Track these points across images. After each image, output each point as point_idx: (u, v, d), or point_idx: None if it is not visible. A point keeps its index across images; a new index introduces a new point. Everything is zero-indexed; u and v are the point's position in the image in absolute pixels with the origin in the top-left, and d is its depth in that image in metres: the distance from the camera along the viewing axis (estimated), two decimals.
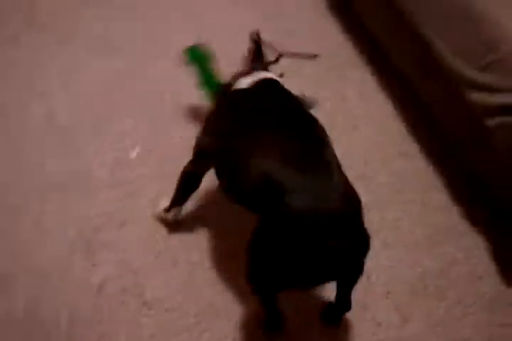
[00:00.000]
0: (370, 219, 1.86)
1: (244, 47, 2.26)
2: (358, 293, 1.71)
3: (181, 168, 1.81)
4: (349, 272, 1.37)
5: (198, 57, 1.89)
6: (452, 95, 1.82)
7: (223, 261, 1.71)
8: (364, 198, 1.95)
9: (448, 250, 1.90)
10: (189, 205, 1.77)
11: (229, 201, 1.47)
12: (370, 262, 1.76)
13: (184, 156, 1.89)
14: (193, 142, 1.76)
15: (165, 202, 1.69)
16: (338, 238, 1.22)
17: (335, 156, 1.40)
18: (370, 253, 1.77)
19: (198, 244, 1.73)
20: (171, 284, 1.64)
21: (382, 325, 1.68)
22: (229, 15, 2.49)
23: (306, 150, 1.35)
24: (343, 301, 1.55)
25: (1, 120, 1.97)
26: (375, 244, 1.81)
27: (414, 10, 1.95)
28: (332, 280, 1.40)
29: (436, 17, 1.87)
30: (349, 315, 1.65)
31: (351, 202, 1.33)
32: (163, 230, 1.74)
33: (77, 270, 1.62)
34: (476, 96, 1.71)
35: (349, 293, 1.52)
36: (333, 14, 2.62)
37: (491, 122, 1.68)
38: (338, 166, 1.37)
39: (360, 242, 1.34)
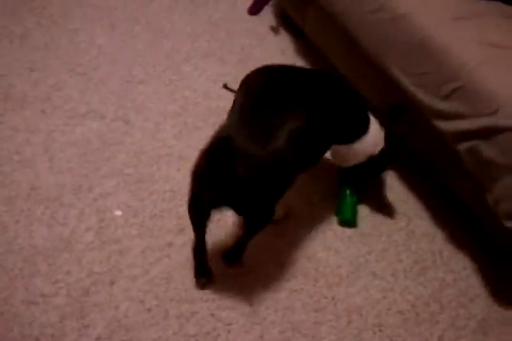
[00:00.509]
0: (357, 251, 1.94)
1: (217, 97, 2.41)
2: (351, 328, 1.75)
3: (166, 223, 1.92)
4: (247, 204, 1.54)
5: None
6: (427, 125, 1.88)
7: (215, 310, 1.74)
8: (349, 232, 2.04)
9: (437, 275, 1.94)
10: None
11: None
12: (360, 296, 1.83)
13: (166, 211, 1.99)
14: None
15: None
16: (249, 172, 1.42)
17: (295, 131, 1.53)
18: (360, 287, 1.84)
19: (188, 296, 1.76)
20: (164, 336, 1.65)
21: None
22: (200, 69, 2.60)
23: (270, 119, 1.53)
24: (240, 245, 1.80)
25: None
26: (363, 276, 1.88)
27: (373, 46, 2.02)
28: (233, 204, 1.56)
29: (395, 52, 1.94)
30: None
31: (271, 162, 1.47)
32: (153, 285, 1.76)
33: (70, 333, 1.62)
34: (443, 125, 1.78)
35: (248, 238, 1.75)
36: (302, 59, 2.72)
37: (461, 147, 1.74)
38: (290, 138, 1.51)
39: (265, 186, 1.50)
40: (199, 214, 1.65)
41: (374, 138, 1.93)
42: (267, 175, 1.46)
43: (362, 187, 2.09)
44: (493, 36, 1.79)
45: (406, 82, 1.89)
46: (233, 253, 1.84)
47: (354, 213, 2.04)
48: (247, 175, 1.42)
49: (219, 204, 1.55)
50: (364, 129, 1.91)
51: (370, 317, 1.79)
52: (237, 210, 1.58)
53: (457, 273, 1.95)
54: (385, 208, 2.12)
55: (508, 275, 1.95)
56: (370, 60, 2.04)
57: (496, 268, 1.98)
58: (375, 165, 2.00)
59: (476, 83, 1.68)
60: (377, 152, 1.94)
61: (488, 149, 1.62)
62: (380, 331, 1.76)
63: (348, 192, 2.05)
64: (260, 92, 1.65)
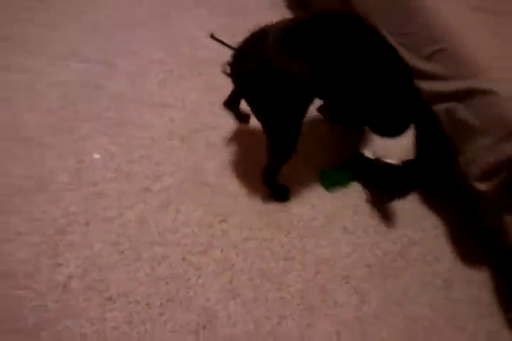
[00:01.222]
0: (332, 207, 1.97)
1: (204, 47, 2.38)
2: (318, 279, 1.80)
3: (144, 169, 1.93)
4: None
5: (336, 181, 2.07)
6: None
7: (186, 254, 1.78)
8: None
9: (406, 233, 1.98)
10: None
11: None
12: (330, 248, 1.87)
13: (144, 158, 2.00)
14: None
15: None
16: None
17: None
18: (331, 240, 1.88)
19: (160, 240, 1.79)
20: (135, 278, 1.69)
21: (343, 306, 1.75)
22: (190, 17, 2.56)
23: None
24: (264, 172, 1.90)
25: None
26: (335, 230, 1.92)
27: (363, 5, 2.02)
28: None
29: (384, 12, 1.92)
30: (310, 298, 1.74)
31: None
32: (126, 228, 1.79)
33: (44, 270, 1.65)
34: (424, 85, 1.77)
35: (268, 165, 1.86)
36: (293, 14, 2.69)
37: (439, 108, 1.75)
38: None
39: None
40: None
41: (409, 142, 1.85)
42: (256, 77, 1.58)
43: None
44: (479, 1, 1.79)
45: (392, 41, 1.88)
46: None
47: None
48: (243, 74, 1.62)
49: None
50: (407, 120, 1.84)
51: (338, 269, 1.83)
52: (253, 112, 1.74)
53: (426, 232, 1.99)
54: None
55: (472, 237, 2.00)
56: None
57: (463, 231, 2.02)
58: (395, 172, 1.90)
59: (457, 46, 1.68)
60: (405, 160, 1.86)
61: (463, 111, 1.63)
62: (347, 283, 1.81)
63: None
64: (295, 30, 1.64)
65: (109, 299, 1.64)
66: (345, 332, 1.69)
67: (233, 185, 1.98)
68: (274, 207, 1.95)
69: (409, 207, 2.06)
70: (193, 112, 2.19)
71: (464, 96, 1.63)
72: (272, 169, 1.88)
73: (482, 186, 1.65)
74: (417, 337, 1.72)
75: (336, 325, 1.70)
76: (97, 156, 1.96)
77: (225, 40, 2.56)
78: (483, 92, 1.58)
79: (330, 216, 1.97)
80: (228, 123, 2.14)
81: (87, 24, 2.44)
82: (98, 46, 2.35)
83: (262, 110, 1.69)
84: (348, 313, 1.73)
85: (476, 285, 1.87)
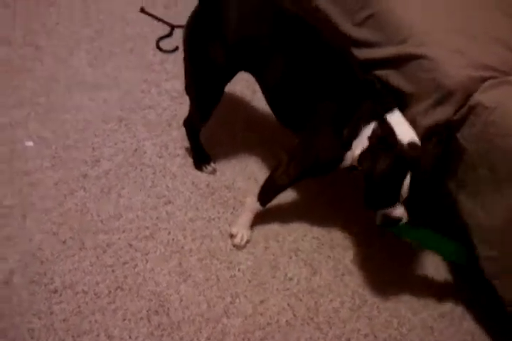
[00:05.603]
0: None
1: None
2: (267, 254, 1.80)
3: (81, 154, 1.86)
4: None
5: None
6: None
7: (132, 239, 1.73)
8: (270, 162, 1.99)
9: None
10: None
11: None
12: (277, 223, 1.86)
13: (80, 142, 1.93)
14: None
15: None
16: None
17: None
18: (277, 215, 1.87)
19: (104, 227, 1.74)
20: (80, 268, 1.65)
21: (294, 279, 1.75)
22: None
23: None
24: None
25: None
26: (282, 204, 1.91)
27: None
28: None
29: None
30: (261, 274, 1.74)
31: None
32: (67, 217, 1.74)
33: None
34: (358, 53, 1.75)
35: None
36: None
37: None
38: None
39: None
40: None
41: None
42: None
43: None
44: None
45: (329, 9, 1.86)
46: None
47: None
48: None
49: None
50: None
51: (287, 242, 1.83)
52: None
53: None
54: None
55: None
56: None
57: None
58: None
59: (387, 11, 1.66)
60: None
61: (396, 77, 1.62)
62: (296, 255, 1.81)
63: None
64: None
65: (55, 291, 1.59)
66: (299, 305, 1.70)
67: (175, 165, 1.94)
68: (218, 184, 1.92)
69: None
70: (127, 91, 2.11)
71: (395, 62, 1.62)
72: (192, 124, 1.88)
73: None
74: (368, 303, 1.75)
75: (289, 298, 1.71)
76: (29, 144, 1.88)
77: (156, 14, 2.48)
78: (415, 57, 1.58)
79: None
80: (165, 100, 2.08)
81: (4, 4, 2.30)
82: (20, 27, 2.22)
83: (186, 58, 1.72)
84: (299, 286, 1.74)
85: None
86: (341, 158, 1.59)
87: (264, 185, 1.74)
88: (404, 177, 1.46)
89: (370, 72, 1.69)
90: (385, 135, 1.47)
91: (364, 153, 1.51)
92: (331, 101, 1.58)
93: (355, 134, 1.54)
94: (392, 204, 1.52)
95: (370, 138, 1.49)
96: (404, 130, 1.51)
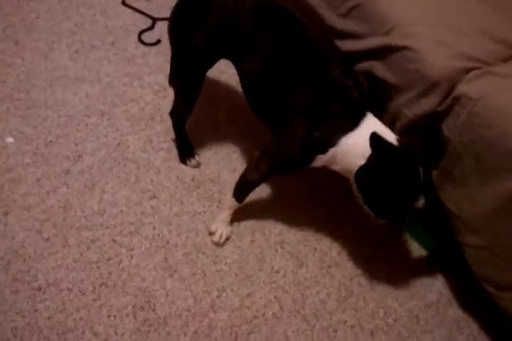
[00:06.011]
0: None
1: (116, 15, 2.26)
2: (254, 247, 1.79)
3: (63, 150, 1.83)
4: None
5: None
6: None
7: (116, 235, 1.72)
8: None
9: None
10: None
11: None
12: (262, 216, 1.86)
13: (62, 138, 1.90)
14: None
15: None
16: None
17: None
18: (263, 208, 1.86)
19: (88, 223, 1.73)
20: (64, 265, 1.63)
21: (280, 271, 1.75)
22: None
23: None
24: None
25: None
26: (263, 197, 1.90)
27: None
28: None
29: None
30: (247, 268, 1.73)
31: None
32: (50, 213, 1.71)
33: None
34: (342, 44, 1.75)
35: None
36: None
37: (359, 68, 1.72)
38: None
39: None
40: None
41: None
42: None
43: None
44: None
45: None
46: None
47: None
48: None
49: None
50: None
51: (273, 235, 1.83)
52: None
53: None
54: None
55: None
56: None
57: None
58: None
59: (371, 2, 1.65)
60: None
61: (381, 69, 1.62)
62: (282, 248, 1.80)
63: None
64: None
65: (39, 289, 1.57)
66: (285, 298, 1.69)
67: (159, 159, 1.92)
68: (203, 178, 1.91)
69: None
70: (109, 85, 2.08)
71: (380, 53, 1.62)
72: (178, 115, 1.87)
73: None
74: (354, 295, 1.75)
75: (276, 291, 1.70)
76: (9, 140, 1.85)
77: (138, 7, 2.45)
78: (400, 48, 1.57)
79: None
80: (147, 94, 2.06)
81: None
82: None
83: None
84: (286, 279, 1.74)
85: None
86: (311, 159, 1.59)
87: (237, 182, 1.74)
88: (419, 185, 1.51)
89: (356, 72, 1.69)
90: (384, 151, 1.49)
91: (366, 172, 1.53)
92: (301, 97, 1.55)
93: (330, 142, 1.54)
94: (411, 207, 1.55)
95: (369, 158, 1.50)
96: (384, 131, 1.51)
